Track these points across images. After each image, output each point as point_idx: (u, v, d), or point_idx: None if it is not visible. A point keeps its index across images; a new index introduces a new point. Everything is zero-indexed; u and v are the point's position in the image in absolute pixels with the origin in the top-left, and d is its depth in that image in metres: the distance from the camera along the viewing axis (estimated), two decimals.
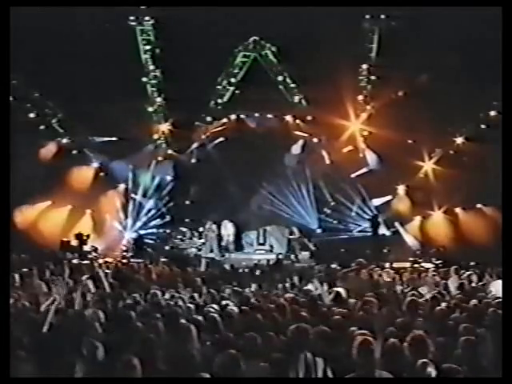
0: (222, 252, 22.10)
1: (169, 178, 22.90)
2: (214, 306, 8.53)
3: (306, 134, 22.80)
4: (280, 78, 21.93)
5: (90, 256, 20.00)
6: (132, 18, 20.59)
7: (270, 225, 22.94)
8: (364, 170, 22.43)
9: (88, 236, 20.92)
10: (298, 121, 22.71)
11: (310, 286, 10.98)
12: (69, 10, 17.65)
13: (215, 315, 7.38)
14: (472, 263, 16.28)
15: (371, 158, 22.48)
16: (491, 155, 17.98)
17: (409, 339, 5.98)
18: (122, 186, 22.50)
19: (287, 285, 12.32)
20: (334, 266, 17.34)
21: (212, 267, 16.92)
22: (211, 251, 21.99)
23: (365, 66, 21.25)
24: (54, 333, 6.71)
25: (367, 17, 20.41)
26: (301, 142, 22.86)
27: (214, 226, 22.24)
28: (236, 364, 5.37)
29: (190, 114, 22.13)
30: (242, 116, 22.83)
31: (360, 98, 21.81)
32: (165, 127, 22.70)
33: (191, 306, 8.50)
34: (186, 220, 23.13)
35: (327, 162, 22.74)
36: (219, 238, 22.31)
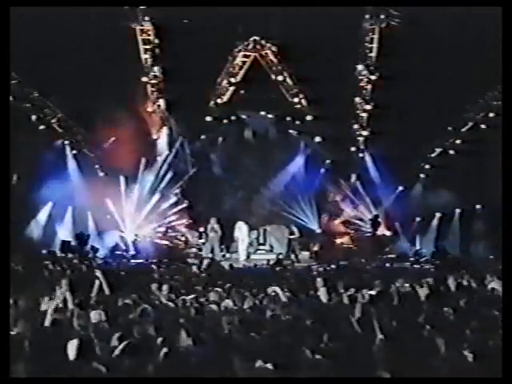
0: (224, 252, 22.03)
1: (168, 177, 22.88)
2: (214, 306, 8.52)
3: (305, 134, 22.81)
4: (280, 78, 21.92)
5: (89, 256, 19.98)
6: (132, 18, 20.58)
7: (270, 225, 22.93)
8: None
9: (88, 236, 20.89)
10: (297, 121, 22.72)
11: None
12: (69, 10, 17.63)
13: (215, 315, 7.38)
14: (472, 263, 16.29)
15: (371, 158, 22.52)
16: (491, 155, 17.97)
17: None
18: (121, 186, 22.48)
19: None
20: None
21: (212, 267, 16.90)
22: (212, 251, 21.93)
23: (364, 66, 21.24)
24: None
25: (367, 17, 20.41)
26: (301, 142, 22.87)
27: (217, 226, 22.11)
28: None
29: (190, 114, 22.13)
30: (241, 116, 22.84)
31: (360, 98, 21.82)
32: (165, 127, 22.71)
33: (191, 306, 8.50)
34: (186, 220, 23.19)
35: (327, 161, 22.76)
36: (222, 238, 22.20)
